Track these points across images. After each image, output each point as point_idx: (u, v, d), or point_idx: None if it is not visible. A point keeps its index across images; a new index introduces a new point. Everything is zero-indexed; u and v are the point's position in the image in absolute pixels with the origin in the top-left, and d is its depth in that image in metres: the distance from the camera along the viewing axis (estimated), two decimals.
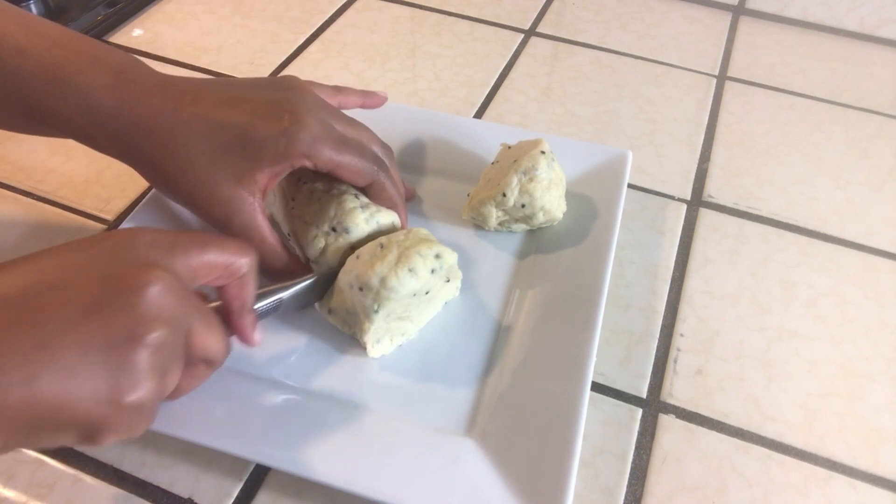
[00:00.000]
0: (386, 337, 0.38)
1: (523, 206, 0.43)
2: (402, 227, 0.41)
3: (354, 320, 0.38)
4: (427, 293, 0.37)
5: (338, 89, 0.43)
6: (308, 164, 0.36)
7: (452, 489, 0.33)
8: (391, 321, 0.37)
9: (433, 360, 0.39)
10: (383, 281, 0.35)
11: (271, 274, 0.39)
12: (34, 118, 0.36)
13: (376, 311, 0.36)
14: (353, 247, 0.39)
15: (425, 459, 0.34)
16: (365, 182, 0.39)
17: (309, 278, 0.37)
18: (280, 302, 0.36)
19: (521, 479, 0.33)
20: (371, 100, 0.45)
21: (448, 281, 0.39)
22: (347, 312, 0.38)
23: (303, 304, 0.38)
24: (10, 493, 0.35)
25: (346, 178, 0.38)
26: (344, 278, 0.37)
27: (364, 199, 0.40)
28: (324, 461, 0.33)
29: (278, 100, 0.37)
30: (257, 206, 0.37)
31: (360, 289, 0.36)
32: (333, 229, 0.39)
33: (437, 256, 0.37)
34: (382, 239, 0.37)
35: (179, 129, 0.35)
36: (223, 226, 0.37)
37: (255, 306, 0.34)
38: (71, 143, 0.53)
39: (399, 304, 0.36)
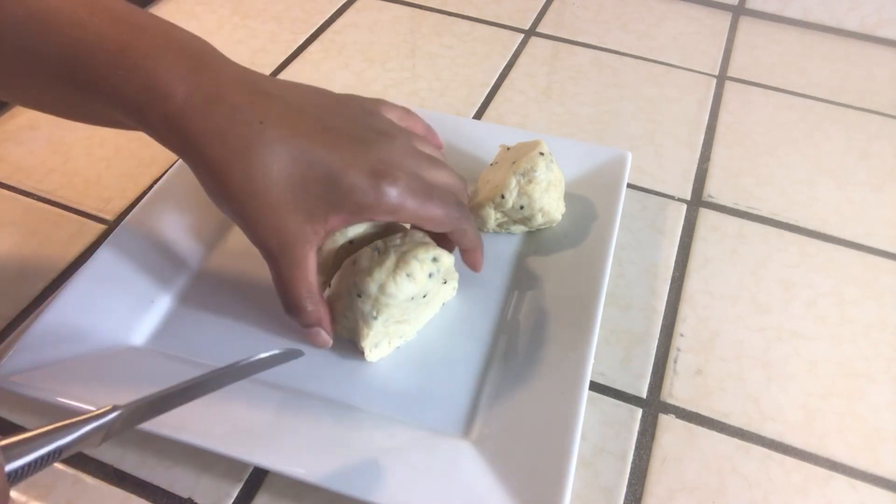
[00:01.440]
0: (384, 341, 0.38)
1: (522, 207, 0.43)
2: (476, 271, 0.41)
3: (353, 325, 0.38)
4: (425, 296, 0.37)
5: (407, 113, 0.41)
6: (391, 218, 0.35)
7: (450, 492, 0.33)
8: (389, 325, 0.37)
9: (431, 363, 0.39)
10: (382, 287, 0.35)
11: (297, 321, 0.37)
12: (88, 98, 0.32)
13: (375, 318, 0.36)
14: (352, 242, 0.39)
15: (423, 462, 0.34)
16: (449, 230, 0.37)
17: (106, 416, 0.27)
18: (58, 451, 0.26)
19: (519, 481, 0.33)
20: (433, 138, 0.43)
21: (445, 283, 0.39)
22: (346, 318, 0.38)
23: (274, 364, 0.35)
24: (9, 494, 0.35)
25: (426, 228, 0.37)
26: (342, 284, 0.37)
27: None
28: (321, 464, 0.33)
29: (371, 142, 0.35)
30: (315, 245, 0.35)
31: (359, 295, 0.36)
32: None
33: (435, 259, 0.37)
34: (379, 243, 0.37)
35: (261, 146, 0.32)
36: (270, 254, 0.34)
37: (20, 462, 0.24)
38: (71, 142, 0.53)
39: (398, 308, 0.36)
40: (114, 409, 0.27)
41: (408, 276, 0.35)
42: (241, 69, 0.34)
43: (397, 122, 0.39)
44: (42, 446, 0.25)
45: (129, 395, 0.36)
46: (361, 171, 0.33)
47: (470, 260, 0.40)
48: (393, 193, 0.33)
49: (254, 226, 0.34)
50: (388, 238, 0.37)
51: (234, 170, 0.32)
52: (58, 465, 0.36)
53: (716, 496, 0.36)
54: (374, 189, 0.33)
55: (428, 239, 0.38)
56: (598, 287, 0.40)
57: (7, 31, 0.30)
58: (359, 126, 0.36)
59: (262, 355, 0.32)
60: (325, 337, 0.38)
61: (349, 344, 0.39)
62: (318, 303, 0.36)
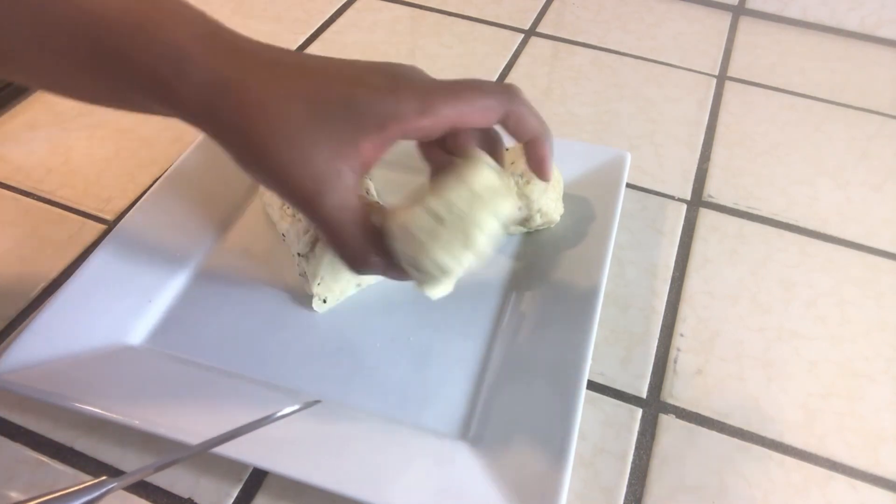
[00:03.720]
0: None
1: (520, 208, 0.43)
2: (545, 177, 0.35)
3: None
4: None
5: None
6: (425, 122, 0.31)
7: (447, 492, 0.33)
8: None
9: (429, 363, 0.39)
10: (440, 267, 0.31)
11: (354, 267, 0.33)
12: (112, 72, 0.31)
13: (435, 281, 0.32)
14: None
15: (420, 463, 0.34)
16: (498, 116, 0.33)
17: (97, 490, 0.27)
18: None
19: (516, 481, 0.33)
20: None
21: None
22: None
23: None
24: (10, 493, 0.35)
25: (474, 123, 0.33)
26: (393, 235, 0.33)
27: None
28: (320, 464, 0.33)
29: (382, 65, 0.32)
30: (353, 184, 0.31)
31: (415, 268, 0.32)
32: None
33: (496, 217, 0.32)
34: (440, 207, 0.31)
35: (276, 86, 0.30)
36: (310, 204, 0.31)
37: None
38: (71, 142, 0.53)
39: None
40: (105, 481, 0.27)
41: (472, 253, 0.31)
42: (248, 37, 0.33)
43: None
44: None
45: (126, 395, 0.36)
46: (379, 84, 0.31)
47: (539, 155, 0.35)
48: (416, 95, 0.31)
49: (283, 175, 0.31)
50: (451, 195, 0.31)
51: (255, 118, 0.30)
52: (58, 465, 0.36)
53: (716, 496, 0.36)
54: (395, 94, 0.30)
55: (494, 180, 0.32)
56: (596, 287, 0.40)
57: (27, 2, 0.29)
58: (373, 61, 0.33)
59: (279, 414, 0.32)
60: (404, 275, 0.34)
61: (348, 344, 0.39)
62: (383, 251, 0.33)
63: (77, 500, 0.26)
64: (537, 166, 0.35)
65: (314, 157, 0.30)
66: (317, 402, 0.34)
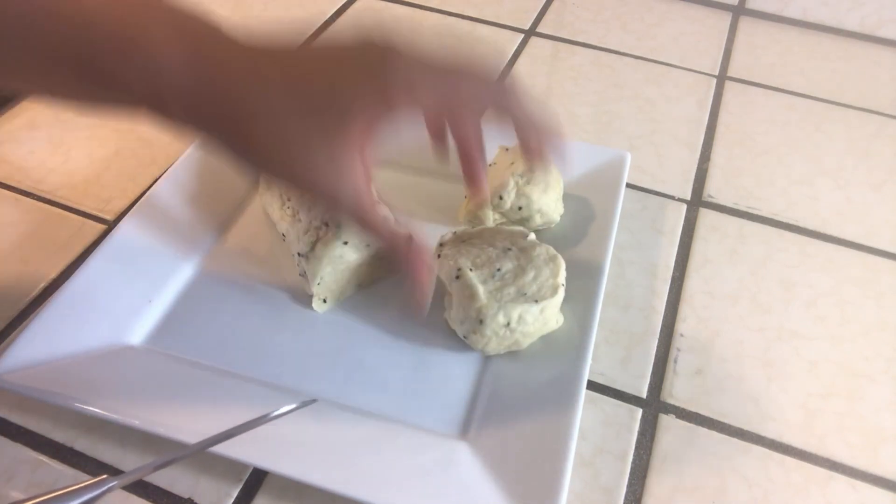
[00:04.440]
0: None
1: (520, 208, 0.43)
2: (537, 159, 0.36)
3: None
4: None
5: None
6: (408, 100, 0.31)
7: (447, 492, 0.33)
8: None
9: (429, 363, 0.39)
10: (507, 322, 0.37)
11: (391, 257, 0.35)
12: (98, 83, 0.31)
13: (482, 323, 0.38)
14: (346, 242, 0.39)
15: (420, 463, 0.34)
16: (485, 105, 0.33)
17: (98, 489, 0.27)
18: None
19: (516, 481, 0.33)
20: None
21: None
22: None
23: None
24: (10, 493, 0.35)
25: (456, 106, 0.33)
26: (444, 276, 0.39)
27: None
28: (320, 464, 0.33)
29: (363, 39, 0.32)
30: (359, 168, 0.32)
31: (480, 320, 0.38)
32: (325, 224, 0.39)
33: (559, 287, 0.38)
34: (507, 264, 0.39)
35: (264, 91, 0.31)
36: (331, 199, 0.32)
37: None
38: (71, 142, 0.53)
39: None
40: (105, 480, 0.27)
41: (520, 317, 0.37)
42: (232, 33, 0.33)
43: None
44: None
45: (126, 395, 0.36)
46: (359, 64, 0.31)
47: (534, 144, 0.35)
48: (398, 71, 0.30)
49: (293, 175, 0.32)
50: (516, 261, 0.39)
51: (251, 126, 0.31)
52: (58, 465, 0.36)
53: (716, 496, 0.36)
54: (378, 74, 0.30)
55: (557, 264, 0.39)
56: (596, 287, 0.40)
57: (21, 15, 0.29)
58: (350, 36, 0.33)
59: (275, 413, 0.32)
60: (430, 267, 0.36)
61: (346, 343, 0.39)
62: (401, 231, 0.35)
63: (77, 499, 0.26)
64: (529, 158, 0.36)
65: (314, 150, 0.31)
66: (313, 401, 0.35)
